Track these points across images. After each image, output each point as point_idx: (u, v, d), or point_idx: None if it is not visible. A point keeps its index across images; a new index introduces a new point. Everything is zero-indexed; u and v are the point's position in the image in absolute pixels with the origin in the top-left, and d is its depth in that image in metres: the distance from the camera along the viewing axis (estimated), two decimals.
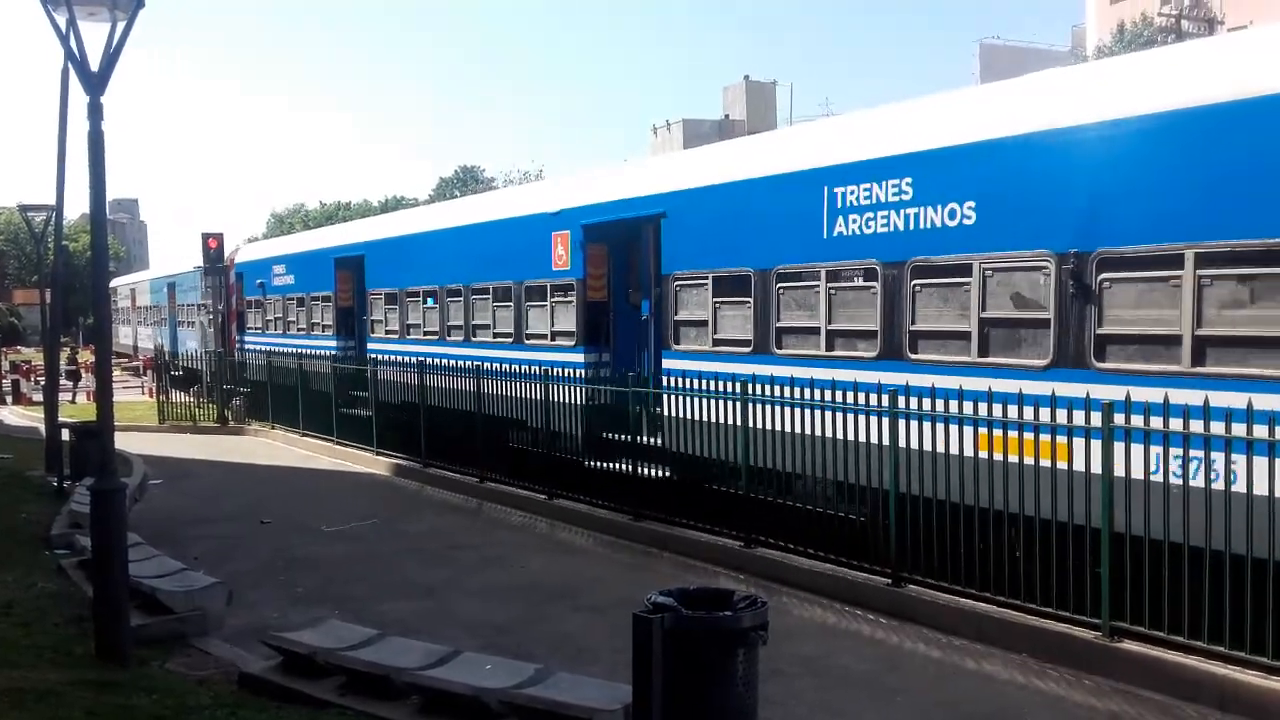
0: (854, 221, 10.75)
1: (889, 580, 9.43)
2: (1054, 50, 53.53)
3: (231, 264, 30.47)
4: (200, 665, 8.02)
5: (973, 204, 9.58)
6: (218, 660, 8.14)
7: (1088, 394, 8.01)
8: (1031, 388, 8.58)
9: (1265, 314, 7.52)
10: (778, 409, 10.62)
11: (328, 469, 19.32)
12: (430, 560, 11.86)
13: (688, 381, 12.03)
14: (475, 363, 16.13)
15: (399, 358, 18.81)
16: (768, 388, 10.78)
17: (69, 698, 6.67)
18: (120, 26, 7.66)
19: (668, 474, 12.48)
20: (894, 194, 10.31)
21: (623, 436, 12.84)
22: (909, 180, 10.17)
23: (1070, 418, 7.97)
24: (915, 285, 10.12)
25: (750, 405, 10.96)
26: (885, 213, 10.40)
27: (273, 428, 23.80)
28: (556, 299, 15.67)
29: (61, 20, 7.67)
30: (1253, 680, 6.88)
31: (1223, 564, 7.04)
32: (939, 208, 9.88)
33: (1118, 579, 7.68)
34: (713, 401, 11.53)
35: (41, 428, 19.80)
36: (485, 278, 17.42)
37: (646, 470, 12.60)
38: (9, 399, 35.08)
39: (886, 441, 9.37)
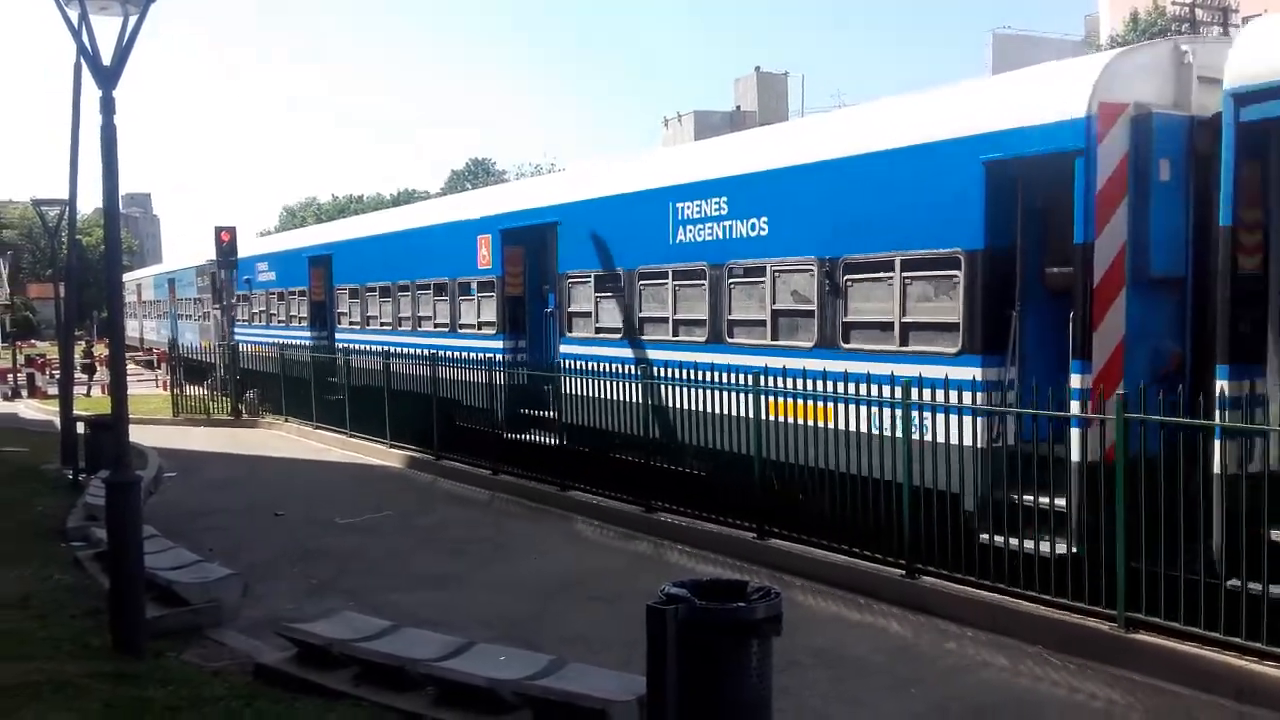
0: (690, 231, 13.14)
1: (903, 572, 9.43)
2: (1067, 39, 53.15)
3: None
4: (216, 656, 8.05)
5: (766, 218, 11.99)
6: (233, 651, 8.17)
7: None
8: (804, 364, 10.85)
9: (941, 305, 9.95)
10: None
11: (341, 461, 19.37)
12: (443, 552, 11.90)
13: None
14: (483, 355, 16.37)
15: (363, 345, 21.02)
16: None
17: (86, 689, 6.71)
18: (132, 21, 7.69)
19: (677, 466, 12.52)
20: (715, 210, 12.75)
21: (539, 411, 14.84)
22: (725, 199, 12.57)
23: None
24: (730, 283, 12.47)
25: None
26: (710, 225, 12.82)
27: (286, 420, 23.88)
28: (482, 294, 18.01)
29: (74, 15, 7.70)
30: (1270, 672, 6.85)
31: (1238, 554, 7.02)
32: (745, 221, 12.30)
33: (1132, 569, 7.66)
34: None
35: (56, 421, 19.89)
36: (427, 275, 19.93)
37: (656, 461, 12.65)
38: (24, 393, 35.26)
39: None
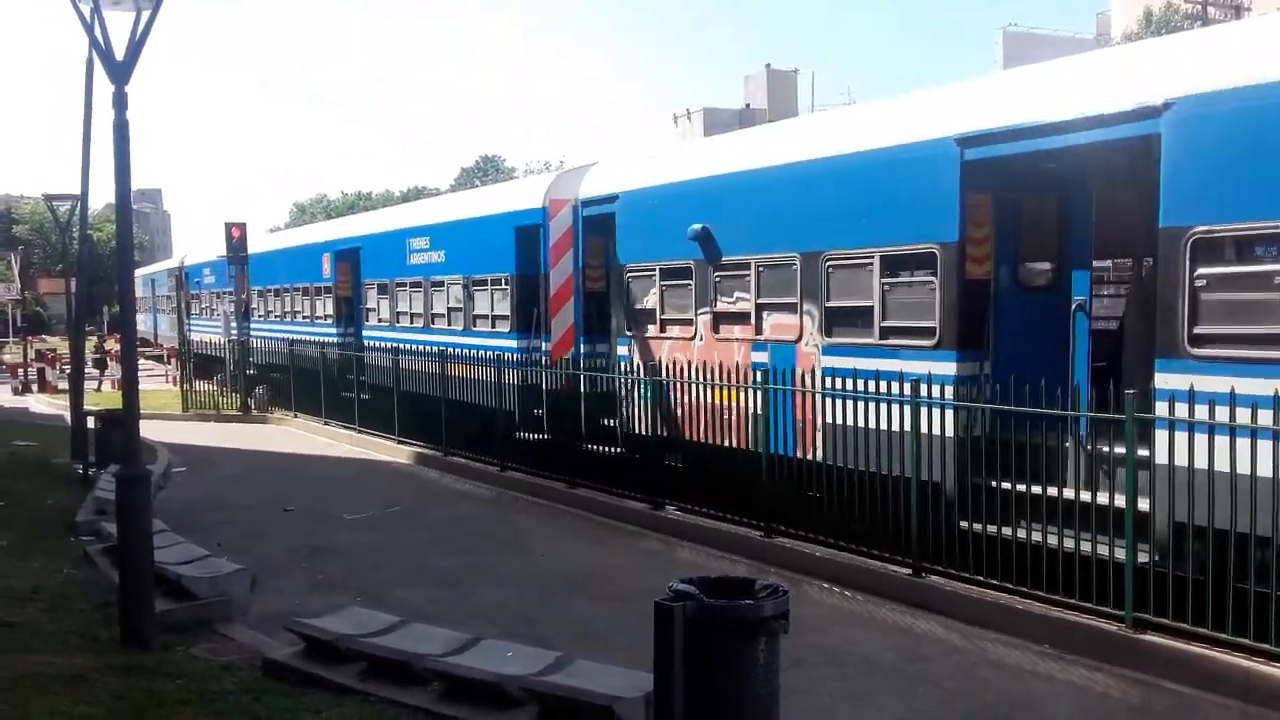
0: (414, 257, 20.89)
1: (910, 571, 9.43)
2: (1079, 38, 52.95)
3: (181, 267, 42.03)
4: (224, 651, 8.08)
5: (444, 251, 19.81)
6: (241, 646, 8.20)
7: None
8: (458, 340, 18.21)
9: (504, 304, 17.63)
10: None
11: (349, 457, 19.43)
12: (451, 548, 11.93)
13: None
14: (481, 351, 16.90)
15: (265, 331, 28.97)
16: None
17: (96, 682, 6.74)
18: (145, 16, 7.69)
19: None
20: (424, 244, 20.53)
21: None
22: (428, 238, 20.45)
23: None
24: (432, 291, 20.18)
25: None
26: (422, 254, 20.55)
27: (295, 416, 23.94)
28: (326, 295, 26.21)
29: (86, 9, 7.71)
30: (1276, 672, 6.84)
31: (1247, 554, 7.01)
32: (436, 252, 20.04)
33: (1141, 570, 7.65)
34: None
35: (66, 416, 19.96)
36: (298, 280, 28.43)
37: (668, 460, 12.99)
38: (34, 387, 35.40)
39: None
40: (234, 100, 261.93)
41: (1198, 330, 7.98)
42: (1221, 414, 7.24)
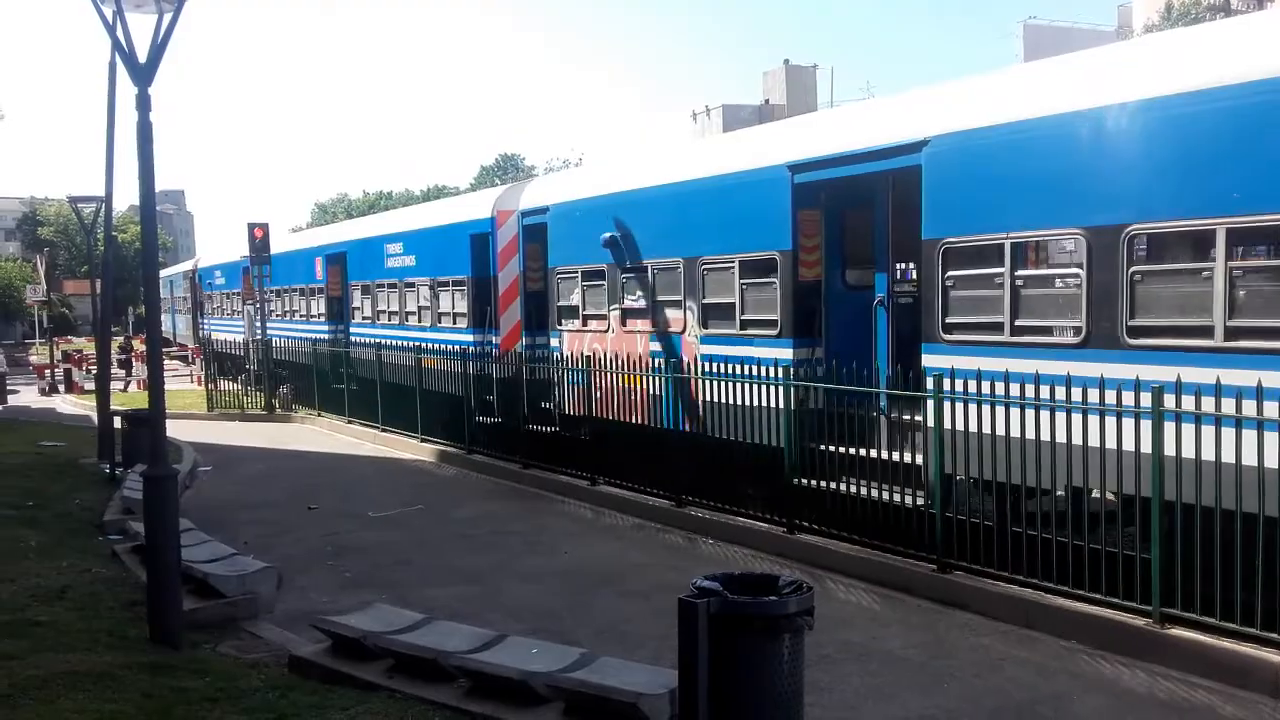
0: (391, 261, 23.02)
1: (934, 567, 9.40)
2: (1100, 30, 52.50)
3: (195, 269, 45.34)
4: (251, 648, 8.14)
5: (415, 256, 21.86)
6: (268, 643, 8.25)
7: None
8: (426, 335, 20.58)
9: (460, 304, 19.87)
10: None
11: (373, 455, 19.52)
12: (475, 546, 11.97)
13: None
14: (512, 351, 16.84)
15: (271, 329, 30.28)
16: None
17: (125, 680, 6.80)
18: (167, 18, 7.74)
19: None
20: (399, 249, 22.61)
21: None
22: (402, 244, 22.51)
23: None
24: (405, 290, 22.29)
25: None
26: (397, 258, 22.65)
27: (319, 415, 24.06)
28: (318, 295, 28.55)
29: (109, 12, 7.76)
30: None
31: (1276, 545, 6.95)
32: (409, 256, 22.14)
33: (1168, 564, 7.60)
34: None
35: (93, 416, 20.13)
36: (298, 282, 30.58)
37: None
38: (61, 388, 35.70)
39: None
40: (243, 102, 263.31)
41: (948, 320, 10.00)
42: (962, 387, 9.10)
